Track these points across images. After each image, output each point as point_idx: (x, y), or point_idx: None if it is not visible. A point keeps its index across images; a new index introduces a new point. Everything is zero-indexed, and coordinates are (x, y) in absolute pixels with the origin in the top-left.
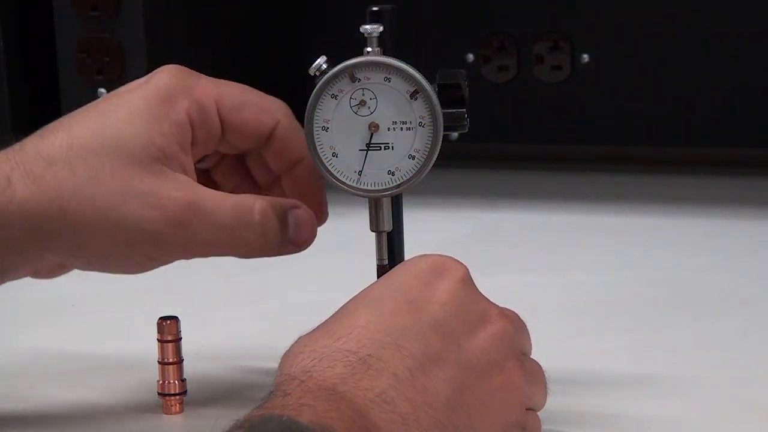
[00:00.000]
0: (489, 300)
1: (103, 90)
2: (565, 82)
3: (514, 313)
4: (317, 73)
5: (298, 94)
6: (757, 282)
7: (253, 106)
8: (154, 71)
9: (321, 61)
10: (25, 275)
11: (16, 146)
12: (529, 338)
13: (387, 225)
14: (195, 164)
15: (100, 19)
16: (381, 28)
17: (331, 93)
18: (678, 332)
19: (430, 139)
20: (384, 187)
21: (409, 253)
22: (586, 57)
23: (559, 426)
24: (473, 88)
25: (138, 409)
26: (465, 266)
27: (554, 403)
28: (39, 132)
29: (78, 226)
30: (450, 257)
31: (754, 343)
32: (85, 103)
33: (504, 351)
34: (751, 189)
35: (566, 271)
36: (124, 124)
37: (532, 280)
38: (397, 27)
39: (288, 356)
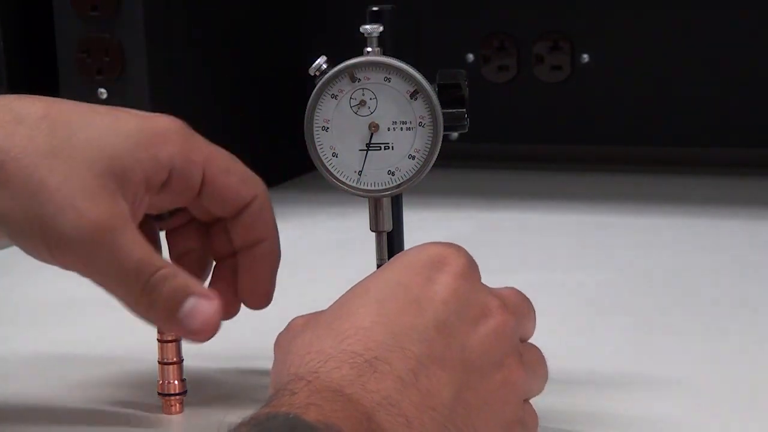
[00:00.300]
0: (490, 290)
1: (103, 90)
2: (565, 82)
3: (518, 295)
4: (317, 73)
5: (298, 94)
6: (757, 282)
7: (238, 175)
8: (160, 114)
9: (321, 61)
10: None
11: None
12: (534, 322)
13: (387, 225)
14: (161, 220)
15: (100, 19)
16: (381, 28)
17: (331, 93)
18: (678, 332)
19: (430, 139)
20: (384, 187)
21: None
22: (586, 57)
23: (559, 425)
24: (473, 88)
25: (138, 409)
26: (465, 254)
27: (554, 402)
28: (22, 95)
29: (5, 184)
30: (449, 246)
31: (754, 344)
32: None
33: (504, 347)
34: (751, 189)
35: (566, 271)
36: (104, 130)
37: (532, 279)
38: (397, 27)
39: (290, 353)
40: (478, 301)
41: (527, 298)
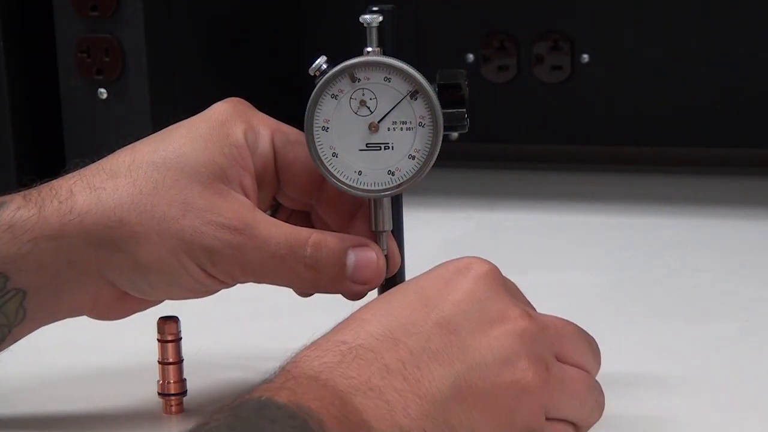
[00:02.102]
0: (514, 300)
1: (103, 90)
2: (565, 82)
3: (562, 320)
4: (317, 73)
5: (298, 94)
6: (757, 282)
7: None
8: (216, 103)
9: (321, 61)
10: (84, 304)
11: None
12: (578, 346)
13: (387, 225)
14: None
15: (100, 19)
16: (381, 18)
17: (331, 93)
18: (678, 332)
19: (430, 139)
20: (384, 187)
21: (408, 253)
22: (586, 57)
23: None
24: (473, 88)
25: (138, 409)
26: (492, 265)
27: None
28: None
29: (137, 238)
30: (479, 258)
31: (754, 344)
32: (85, 103)
33: (517, 349)
34: (751, 189)
35: (566, 271)
36: (186, 142)
37: (532, 280)
38: (397, 27)
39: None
40: (495, 307)
41: (580, 329)
